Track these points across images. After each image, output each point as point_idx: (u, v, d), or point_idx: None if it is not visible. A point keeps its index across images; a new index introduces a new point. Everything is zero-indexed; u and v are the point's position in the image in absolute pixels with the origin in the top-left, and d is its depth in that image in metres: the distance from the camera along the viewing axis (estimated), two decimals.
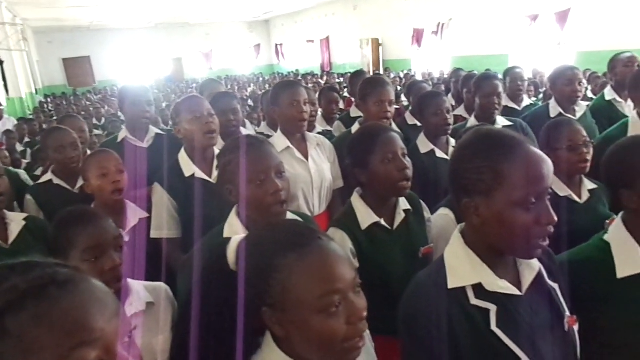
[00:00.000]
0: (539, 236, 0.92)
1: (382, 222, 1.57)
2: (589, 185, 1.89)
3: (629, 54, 3.18)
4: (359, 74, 3.74)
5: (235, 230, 1.36)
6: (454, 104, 4.04)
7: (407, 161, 1.57)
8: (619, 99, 3.00)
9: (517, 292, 0.98)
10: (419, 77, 10.63)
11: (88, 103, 11.04)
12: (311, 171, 2.19)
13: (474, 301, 0.96)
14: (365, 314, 0.81)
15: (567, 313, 1.03)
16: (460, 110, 3.51)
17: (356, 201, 1.62)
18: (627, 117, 2.43)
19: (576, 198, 1.86)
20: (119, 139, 2.64)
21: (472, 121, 2.74)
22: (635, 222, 1.21)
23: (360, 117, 2.65)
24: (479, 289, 0.97)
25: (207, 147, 2.01)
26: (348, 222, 1.59)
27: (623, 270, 1.17)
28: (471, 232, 1.02)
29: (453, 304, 0.96)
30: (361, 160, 1.57)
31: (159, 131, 2.72)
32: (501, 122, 2.70)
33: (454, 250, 1.03)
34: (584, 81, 7.25)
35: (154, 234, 1.98)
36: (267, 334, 0.86)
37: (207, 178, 1.98)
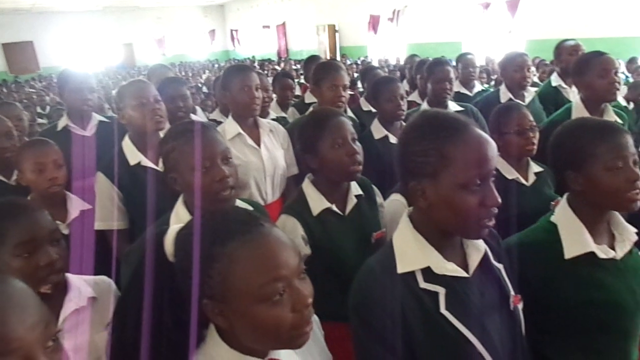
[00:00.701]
0: (485, 217, 0.93)
1: (334, 207, 1.56)
2: (535, 168, 1.94)
3: (573, 42, 3.27)
4: (312, 59, 3.70)
5: (182, 219, 1.31)
6: (408, 89, 4.08)
7: (357, 146, 1.56)
8: (564, 85, 3.10)
9: (465, 274, 0.99)
10: (375, 64, 10.66)
11: (32, 90, 10.47)
12: (263, 158, 2.15)
13: (423, 285, 0.97)
14: (310, 300, 0.79)
15: (512, 292, 1.05)
16: (414, 96, 3.53)
17: (307, 187, 1.60)
18: (571, 102, 2.50)
19: (523, 181, 1.91)
20: (59, 127, 2.50)
21: (424, 107, 2.76)
22: (581, 203, 1.24)
23: (314, 102, 2.61)
24: (427, 273, 0.97)
25: (153, 135, 1.93)
26: (299, 208, 1.57)
27: (570, 250, 1.20)
28: (419, 216, 1.02)
29: (403, 289, 0.96)
30: (311, 146, 1.55)
31: (103, 118, 2.60)
32: (453, 107, 2.73)
33: (402, 235, 1.02)
34: (533, 68, 7.51)
35: (98, 226, 1.90)
36: (211, 326, 0.83)
37: (154, 166, 1.90)
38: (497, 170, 1.90)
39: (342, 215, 1.58)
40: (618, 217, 1.25)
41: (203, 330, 0.83)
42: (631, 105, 4.46)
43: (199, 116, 3.13)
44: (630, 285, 1.19)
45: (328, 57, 14.22)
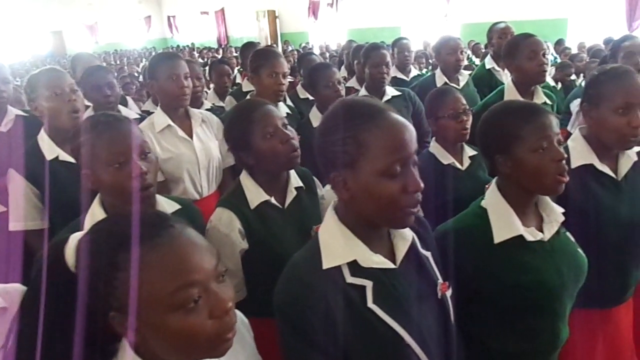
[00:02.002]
0: (408, 204, 0.90)
1: (273, 200, 1.50)
2: (469, 152, 1.96)
3: (503, 25, 3.35)
4: (249, 45, 3.58)
5: (97, 220, 1.21)
6: (346, 75, 4.05)
7: (290, 130, 1.50)
8: (497, 68, 3.16)
9: (392, 265, 0.96)
10: (316, 50, 10.61)
11: None
12: (196, 150, 2.05)
13: (349, 279, 0.93)
14: (230, 304, 0.73)
15: (440, 280, 1.04)
16: (353, 82, 3.50)
17: (245, 179, 1.53)
18: (504, 84, 2.55)
19: (458, 165, 1.93)
20: None
21: (362, 92, 2.74)
22: (509, 187, 1.24)
23: (252, 91, 2.52)
24: (354, 266, 0.94)
25: (71, 127, 1.79)
26: (236, 201, 1.50)
27: (499, 234, 1.20)
28: (343, 207, 0.98)
29: (329, 285, 0.92)
30: (242, 142, 1.48)
31: (22, 112, 2.40)
32: (390, 92, 2.73)
33: (327, 228, 0.99)
34: (469, 51, 7.68)
35: (12, 227, 1.76)
36: (124, 340, 0.75)
37: (73, 161, 1.77)
38: (432, 155, 1.95)
39: (282, 208, 1.52)
40: (546, 198, 1.27)
41: (113, 345, 0.76)
42: (559, 85, 4.67)
43: (130, 107, 2.96)
44: (558, 265, 1.22)
45: (269, 44, 14.03)
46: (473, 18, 9.79)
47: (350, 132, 0.90)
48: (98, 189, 1.24)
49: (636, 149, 1.54)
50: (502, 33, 3.21)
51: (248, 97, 2.48)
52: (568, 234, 1.31)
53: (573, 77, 4.72)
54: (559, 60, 6.03)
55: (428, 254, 1.06)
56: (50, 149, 1.79)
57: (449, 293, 1.05)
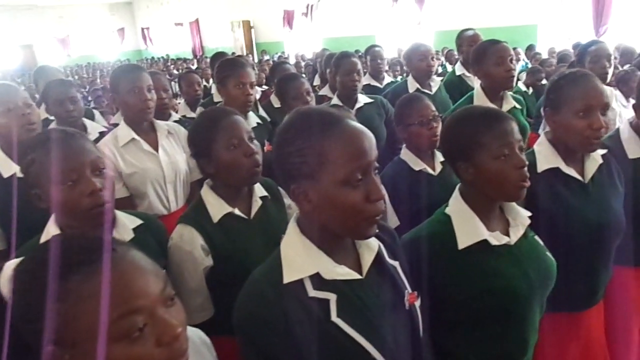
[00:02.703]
0: (371, 214, 0.88)
1: (237, 211, 1.45)
2: (440, 157, 1.94)
3: (472, 32, 3.38)
4: (218, 56, 3.55)
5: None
6: (319, 84, 4.04)
7: (255, 145, 1.46)
8: (467, 74, 3.19)
9: (357, 276, 0.94)
10: (292, 59, 10.61)
11: None
12: (162, 164, 2.00)
13: (312, 293, 0.90)
14: (180, 329, 0.69)
15: (408, 290, 1.01)
16: (325, 90, 3.49)
17: (206, 193, 1.48)
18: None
19: (430, 171, 1.91)
20: None
21: (335, 100, 2.73)
22: (472, 193, 1.23)
23: (221, 101, 2.47)
24: (317, 279, 0.91)
25: None
26: (198, 216, 1.45)
27: (463, 240, 1.18)
28: (305, 219, 0.95)
29: (289, 300, 0.89)
30: (204, 149, 1.43)
31: None
32: (362, 99, 2.72)
33: (289, 241, 0.96)
34: (442, 57, 7.76)
35: None
36: None
37: None
38: (404, 162, 1.94)
39: (247, 219, 1.48)
40: (511, 202, 1.26)
41: None
42: (530, 90, 4.73)
43: (97, 120, 2.89)
44: (525, 270, 1.20)
45: (245, 54, 14.00)
46: (446, 25, 9.91)
47: (309, 142, 0.87)
48: (50, 209, 1.18)
49: (601, 151, 1.55)
50: (471, 40, 3.24)
51: None
52: (536, 237, 1.30)
53: (544, 81, 4.78)
54: (529, 66, 6.12)
55: (396, 263, 1.04)
56: (6, 165, 1.73)
57: (417, 303, 1.03)
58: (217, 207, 1.44)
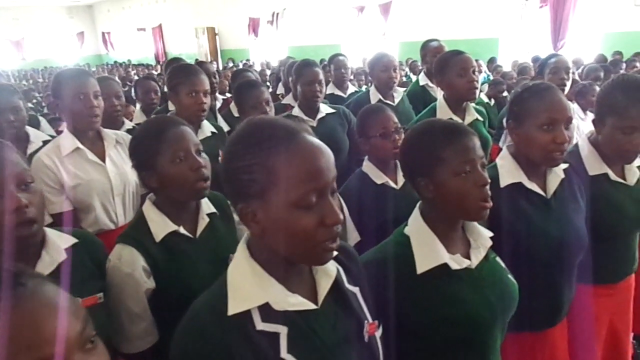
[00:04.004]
0: (327, 238, 0.79)
1: (182, 230, 1.34)
2: None
3: (436, 44, 3.37)
4: (171, 62, 3.41)
5: None
6: (283, 92, 3.96)
7: (203, 158, 1.36)
8: (430, 84, 3.18)
9: (312, 306, 0.85)
10: (257, 67, 10.51)
11: None
12: (110, 175, 1.87)
13: (260, 326, 0.81)
14: None
15: (368, 320, 0.94)
16: (289, 99, 3.41)
17: (148, 209, 1.36)
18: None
19: (393, 184, 1.86)
20: None
21: (296, 110, 2.65)
22: (432, 212, 1.16)
23: (173, 110, 2.36)
24: (266, 310, 0.82)
25: None
26: (138, 235, 1.33)
27: (422, 265, 1.11)
28: (255, 242, 0.86)
29: (234, 335, 0.79)
30: (147, 162, 1.32)
31: None
32: (325, 109, 2.66)
33: (237, 265, 0.86)
34: (406, 68, 7.85)
35: None
36: None
37: None
38: (366, 175, 1.88)
39: (193, 238, 1.37)
40: (473, 222, 1.20)
41: None
42: (492, 102, 4.80)
43: (43, 128, 2.72)
44: (486, 296, 1.14)
45: (209, 61, 13.81)
46: (410, 36, 10.04)
47: (259, 157, 0.78)
48: None
49: (563, 165, 1.53)
50: (435, 51, 3.23)
51: None
52: (498, 259, 1.25)
53: (505, 93, 4.86)
54: (491, 78, 6.24)
55: (355, 289, 0.96)
56: None
57: (378, 334, 0.95)
58: (160, 225, 1.33)
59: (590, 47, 8.15)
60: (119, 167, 1.91)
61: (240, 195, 0.81)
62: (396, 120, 1.88)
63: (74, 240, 1.23)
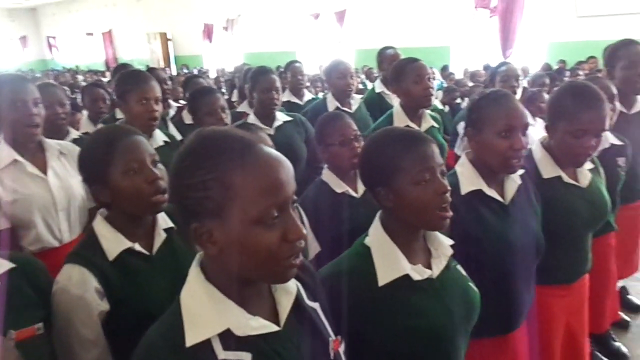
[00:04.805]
0: (290, 255, 0.75)
1: (137, 247, 1.26)
2: None
3: (392, 51, 3.41)
4: (119, 68, 3.28)
5: None
6: (238, 99, 3.89)
7: (160, 169, 1.28)
8: (387, 91, 3.20)
9: (274, 328, 0.80)
10: (212, 74, 10.34)
11: None
12: (52, 188, 1.75)
13: (222, 355, 0.75)
14: None
15: (331, 336, 0.90)
16: (244, 107, 3.35)
17: (100, 226, 1.27)
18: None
19: (353, 193, 1.83)
20: None
21: (251, 118, 2.59)
22: (393, 221, 1.14)
23: (122, 118, 2.25)
24: (228, 337, 0.76)
25: None
26: (89, 253, 1.23)
27: (383, 276, 1.09)
28: (211, 264, 0.80)
29: None
30: (98, 175, 1.23)
31: None
32: (281, 117, 2.61)
33: (191, 290, 0.80)
34: (362, 75, 7.93)
35: None
36: None
37: None
38: (325, 184, 1.84)
39: (149, 255, 1.29)
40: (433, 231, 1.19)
41: None
42: (447, 108, 4.89)
43: None
44: (448, 306, 1.13)
45: (162, 67, 13.51)
46: (366, 44, 10.17)
47: (213, 173, 0.73)
48: None
49: (520, 172, 1.54)
50: (392, 59, 3.26)
51: None
52: (459, 267, 1.24)
53: (459, 100, 4.97)
54: (445, 85, 6.37)
55: (315, 305, 0.92)
56: None
57: (342, 349, 0.92)
58: (113, 242, 1.24)
59: (536, 56, 8.50)
60: (62, 180, 1.79)
61: (194, 215, 0.75)
62: (355, 127, 1.86)
63: (10, 265, 1.12)
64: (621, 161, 2.15)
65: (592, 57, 7.26)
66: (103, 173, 1.22)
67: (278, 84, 2.55)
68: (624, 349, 2.60)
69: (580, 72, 5.95)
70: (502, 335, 1.54)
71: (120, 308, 1.22)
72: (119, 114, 2.66)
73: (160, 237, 1.32)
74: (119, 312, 1.22)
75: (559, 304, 1.77)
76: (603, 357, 2.49)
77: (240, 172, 0.72)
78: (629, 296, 3.06)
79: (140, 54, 15.81)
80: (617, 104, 2.22)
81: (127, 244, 1.25)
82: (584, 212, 1.71)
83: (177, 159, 0.78)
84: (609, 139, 2.11)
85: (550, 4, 8.31)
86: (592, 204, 1.73)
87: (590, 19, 7.88)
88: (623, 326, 2.82)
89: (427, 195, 1.08)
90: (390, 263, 1.09)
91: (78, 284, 1.18)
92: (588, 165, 1.73)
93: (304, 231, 0.76)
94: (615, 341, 2.63)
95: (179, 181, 0.76)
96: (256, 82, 2.54)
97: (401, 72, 2.35)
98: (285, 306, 0.84)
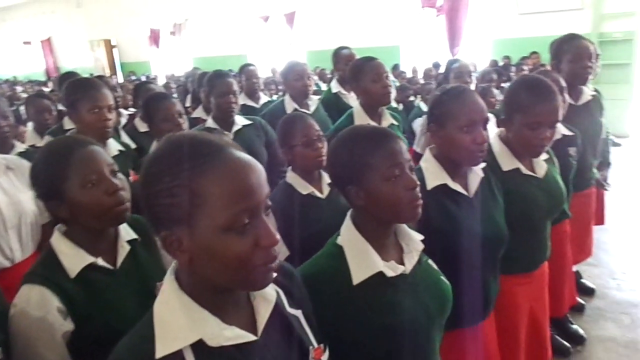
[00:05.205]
0: (264, 261, 0.73)
1: (100, 261, 1.20)
2: (328, 178, 1.86)
3: (348, 51, 3.43)
4: (67, 76, 3.14)
5: None
6: (191, 105, 3.81)
7: (120, 179, 1.23)
8: (343, 91, 3.21)
9: (251, 337, 0.77)
10: (162, 80, 10.08)
11: None
12: (1, 205, 1.64)
13: None
14: None
15: (313, 345, 0.88)
16: (199, 112, 3.28)
17: (58, 242, 1.21)
18: (352, 108, 2.55)
19: (318, 194, 1.82)
20: None
21: (209, 123, 2.53)
22: (364, 219, 1.14)
23: (72, 128, 2.15)
24: (201, 348, 0.73)
25: None
26: (49, 272, 1.16)
27: (358, 275, 1.08)
28: (184, 273, 0.77)
29: None
30: (53, 190, 1.17)
31: None
32: (240, 121, 2.57)
33: (165, 299, 0.77)
34: (315, 76, 7.96)
35: None
36: None
37: None
38: (290, 186, 1.82)
39: (113, 270, 1.24)
40: (404, 226, 1.19)
41: None
42: (400, 106, 4.97)
43: None
44: (423, 300, 1.13)
45: (107, 75, 13.06)
46: (317, 45, 10.21)
47: (182, 179, 0.70)
48: None
49: (482, 165, 1.58)
50: (347, 59, 3.28)
51: None
52: (430, 261, 1.25)
53: (412, 97, 5.06)
54: (397, 84, 6.48)
55: (298, 312, 0.90)
56: None
57: (324, 358, 0.90)
58: (73, 259, 1.18)
59: (481, 53, 8.79)
60: (11, 196, 1.69)
61: (163, 222, 0.72)
62: (318, 128, 1.86)
63: None
64: (572, 151, 2.24)
65: (534, 52, 7.57)
66: (59, 188, 1.16)
67: (235, 87, 2.51)
68: (581, 331, 2.72)
69: (525, 67, 6.19)
70: (473, 325, 1.57)
71: (86, 326, 1.16)
72: (68, 124, 2.54)
73: (123, 249, 1.27)
74: (84, 330, 1.16)
75: (522, 291, 1.82)
76: (562, 340, 2.60)
77: (209, 177, 0.70)
78: (582, 280, 3.21)
79: (83, 62, 15.21)
80: (566, 96, 2.32)
81: (89, 259, 1.19)
82: (543, 201, 1.77)
83: (146, 165, 0.75)
84: (561, 130, 2.20)
85: (493, 2, 8.62)
86: (550, 193, 1.79)
87: (531, 16, 8.23)
88: (578, 309, 2.95)
89: (397, 190, 1.08)
90: (363, 261, 1.09)
91: (38, 305, 1.11)
92: (543, 156, 1.79)
93: (277, 237, 0.74)
94: (572, 324, 2.75)
95: (147, 189, 0.73)
96: (213, 86, 2.49)
97: (359, 71, 2.37)
98: (263, 315, 0.81)
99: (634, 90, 7.74)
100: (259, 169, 0.75)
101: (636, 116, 7.87)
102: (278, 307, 0.84)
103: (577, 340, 2.68)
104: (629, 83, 7.62)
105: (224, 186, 0.70)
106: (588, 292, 3.16)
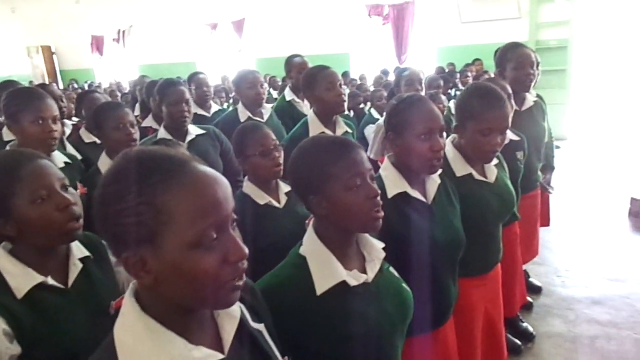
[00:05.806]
0: (232, 277, 0.71)
1: (50, 280, 1.15)
2: (285, 187, 1.85)
3: (300, 59, 3.43)
4: (6, 85, 2.96)
5: None
6: (140, 114, 3.69)
7: (71, 194, 1.18)
8: (297, 99, 3.21)
9: (219, 356, 0.75)
10: (107, 87, 9.73)
11: None
12: None
13: None
14: None
15: (278, 358, 0.87)
16: (149, 121, 3.18)
17: (4, 260, 1.14)
18: (306, 115, 2.55)
19: (276, 203, 1.81)
20: None
21: (161, 132, 2.46)
22: (327, 228, 1.14)
23: (13, 140, 2.03)
24: None
25: None
26: None
27: (321, 285, 1.08)
28: (146, 294, 0.74)
29: None
30: None
31: None
32: (194, 131, 2.51)
33: (126, 324, 0.73)
34: (266, 84, 7.93)
35: None
36: None
37: None
38: (247, 196, 1.79)
39: (65, 289, 1.18)
40: (365, 235, 1.21)
41: None
42: (352, 113, 5.02)
43: None
44: (385, 308, 1.14)
45: (47, 82, 12.47)
46: (267, 53, 10.17)
47: (144, 196, 0.67)
48: None
49: (439, 171, 1.61)
50: (300, 67, 3.28)
51: (7, 148, 1.98)
52: (391, 269, 1.26)
53: (362, 105, 5.12)
54: (347, 91, 6.55)
55: (261, 326, 0.88)
56: None
57: None
58: (20, 278, 1.12)
59: (427, 60, 9.06)
60: None
61: (125, 242, 0.68)
62: (274, 137, 1.85)
63: None
64: (519, 155, 2.34)
65: (477, 59, 7.87)
66: (6, 205, 1.11)
67: (188, 95, 2.46)
68: (531, 329, 2.83)
69: (469, 74, 6.41)
70: (434, 329, 1.59)
71: (36, 349, 1.10)
72: (7, 136, 2.39)
73: (75, 267, 1.22)
74: (35, 353, 1.11)
75: (478, 293, 1.87)
76: (514, 339, 2.69)
77: (174, 193, 0.67)
78: (530, 279, 3.34)
79: (19, 69, 14.40)
80: (512, 102, 2.41)
81: (38, 278, 1.13)
82: (495, 205, 1.83)
83: (103, 183, 0.71)
84: (509, 135, 2.29)
85: (437, 11, 8.90)
86: (501, 197, 1.86)
87: (472, 24, 8.56)
88: (527, 307, 3.07)
89: (359, 199, 1.09)
90: (326, 271, 1.09)
91: None
92: (494, 161, 1.85)
93: (246, 251, 0.72)
94: (522, 322, 2.86)
95: (105, 208, 0.69)
96: (164, 94, 2.42)
97: (313, 80, 2.37)
98: (229, 331, 0.80)
99: (570, 94, 8.21)
100: (225, 182, 0.73)
101: (573, 119, 8.34)
102: (242, 323, 0.83)
103: (528, 337, 2.78)
104: (564, 88, 8.07)
105: (191, 202, 0.67)
106: (535, 290, 3.30)
